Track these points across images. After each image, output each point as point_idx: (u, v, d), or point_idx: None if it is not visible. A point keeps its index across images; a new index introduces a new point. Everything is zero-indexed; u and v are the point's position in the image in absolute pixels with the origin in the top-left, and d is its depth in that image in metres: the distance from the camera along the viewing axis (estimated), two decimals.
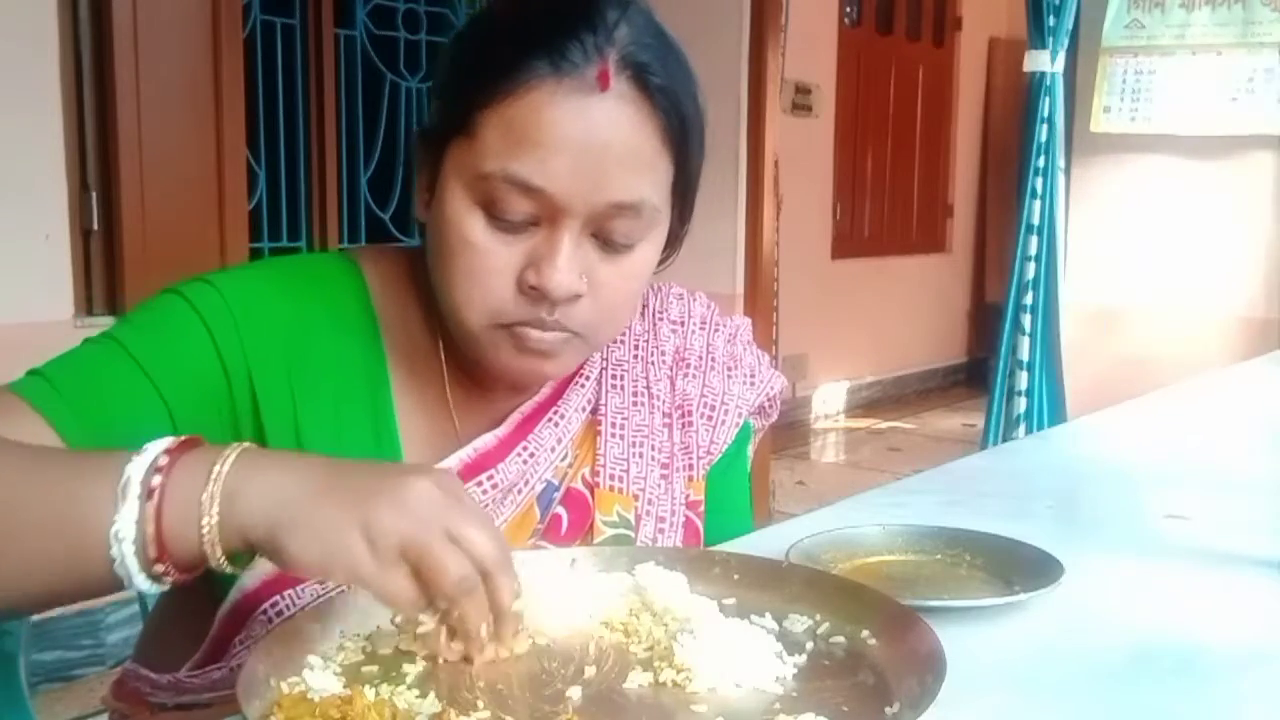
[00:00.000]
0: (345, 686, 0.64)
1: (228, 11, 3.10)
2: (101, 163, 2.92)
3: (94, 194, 2.91)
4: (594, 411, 0.98)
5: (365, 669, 0.68)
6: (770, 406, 1.08)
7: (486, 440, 0.91)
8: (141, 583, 0.64)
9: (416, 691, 0.65)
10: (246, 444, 0.68)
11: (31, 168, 2.79)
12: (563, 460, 0.95)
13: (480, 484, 0.89)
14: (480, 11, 0.89)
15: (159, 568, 0.64)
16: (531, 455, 0.92)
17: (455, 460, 0.90)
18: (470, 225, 0.81)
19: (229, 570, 0.66)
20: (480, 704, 0.64)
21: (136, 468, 0.64)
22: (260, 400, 0.84)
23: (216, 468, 0.65)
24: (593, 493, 0.95)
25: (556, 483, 0.95)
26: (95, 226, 2.93)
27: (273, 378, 0.85)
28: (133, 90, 2.89)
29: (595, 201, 0.80)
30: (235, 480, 0.65)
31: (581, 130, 0.79)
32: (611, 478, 0.95)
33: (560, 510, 0.94)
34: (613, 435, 0.97)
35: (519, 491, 0.92)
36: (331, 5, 3.68)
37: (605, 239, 0.83)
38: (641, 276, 0.87)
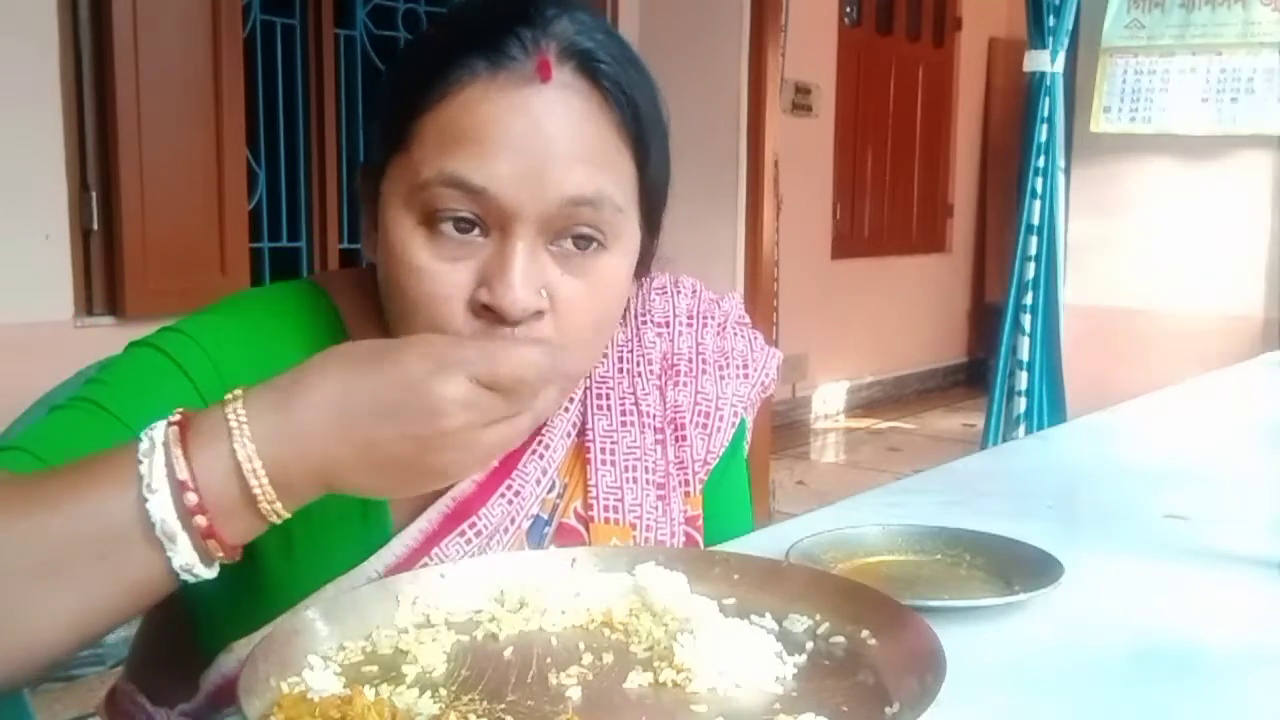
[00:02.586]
0: (345, 686, 0.64)
1: (228, 11, 3.10)
2: (101, 163, 2.92)
3: (94, 194, 2.92)
4: (580, 434, 0.92)
5: (365, 669, 0.68)
6: (765, 388, 1.03)
7: (464, 488, 0.86)
8: (192, 560, 0.61)
9: (416, 691, 0.65)
10: (237, 403, 0.63)
11: (31, 168, 2.80)
12: (550, 492, 0.90)
13: (463, 533, 0.85)
14: (417, 33, 0.86)
15: (211, 545, 0.61)
16: (516, 494, 0.87)
17: (435, 513, 0.85)
18: (414, 249, 0.74)
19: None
20: (480, 704, 0.64)
21: (148, 447, 0.61)
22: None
23: (232, 421, 0.62)
24: (587, 528, 0.90)
25: (546, 517, 0.90)
26: (95, 226, 2.93)
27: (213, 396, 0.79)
28: (133, 90, 2.89)
29: (546, 201, 0.73)
30: (258, 430, 0.61)
31: (523, 124, 0.73)
32: (606, 509, 0.90)
33: (553, 548, 0.90)
34: (603, 462, 0.91)
35: (506, 531, 0.87)
36: (331, 5, 3.68)
37: (565, 249, 0.76)
38: (612, 295, 0.80)
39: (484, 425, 0.64)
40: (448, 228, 0.74)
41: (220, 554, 0.62)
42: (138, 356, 0.80)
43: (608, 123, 0.76)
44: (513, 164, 0.73)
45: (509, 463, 0.88)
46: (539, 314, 0.75)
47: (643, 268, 0.86)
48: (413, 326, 0.76)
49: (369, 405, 0.62)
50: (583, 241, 0.76)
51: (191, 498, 0.60)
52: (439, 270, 0.74)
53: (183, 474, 0.60)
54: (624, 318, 0.95)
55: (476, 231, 0.75)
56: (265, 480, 0.61)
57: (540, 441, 0.90)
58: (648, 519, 0.92)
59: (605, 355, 0.95)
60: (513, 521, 0.88)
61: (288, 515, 0.64)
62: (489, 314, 0.74)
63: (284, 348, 0.82)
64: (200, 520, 0.60)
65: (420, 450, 0.63)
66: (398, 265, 0.76)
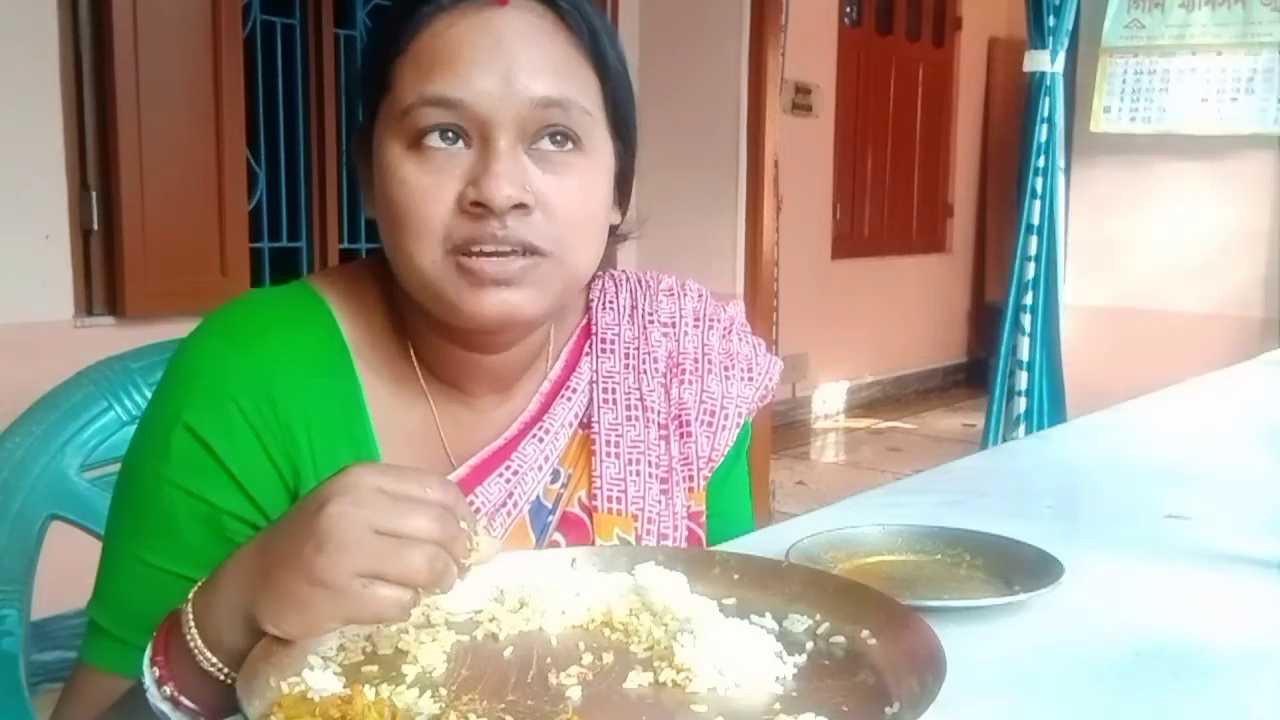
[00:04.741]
0: (345, 686, 0.64)
1: (228, 11, 3.10)
2: (101, 163, 2.92)
3: (94, 194, 2.92)
4: (586, 427, 0.94)
5: (365, 669, 0.68)
6: (766, 392, 1.04)
7: (460, 472, 0.89)
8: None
9: (416, 691, 0.65)
10: (193, 591, 0.70)
11: (31, 168, 2.80)
12: (554, 482, 0.93)
13: None
14: None
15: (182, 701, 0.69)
16: (515, 473, 0.90)
17: None
18: (404, 168, 0.80)
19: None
20: (480, 704, 0.64)
21: (154, 698, 0.69)
22: (257, 498, 0.83)
23: (188, 635, 0.68)
24: (591, 517, 0.93)
25: (550, 505, 0.92)
26: (95, 226, 2.93)
27: (254, 467, 0.83)
28: (133, 90, 2.89)
29: (518, 105, 0.79)
30: (206, 627, 0.68)
31: (488, 40, 0.79)
32: (609, 499, 0.93)
33: (558, 536, 0.92)
34: (608, 454, 0.93)
35: (508, 513, 0.89)
36: (331, 5, 3.68)
37: (542, 150, 0.81)
38: (591, 192, 0.84)
39: (367, 523, 0.63)
40: (433, 141, 0.80)
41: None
42: (157, 494, 0.83)
43: (564, 38, 0.83)
44: (483, 76, 0.79)
45: (508, 447, 0.91)
46: (525, 209, 0.80)
47: (624, 186, 0.91)
48: (408, 236, 0.81)
49: (272, 539, 0.68)
50: (558, 139, 0.82)
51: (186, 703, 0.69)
52: (427, 180, 0.80)
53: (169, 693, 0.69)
54: (631, 316, 0.99)
55: (459, 144, 0.80)
56: (201, 643, 0.68)
57: (541, 427, 0.92)
58: (650, 511, 0.93)
59: (611, 351, 0.97)
60: (510, 498, 0.89)
61: (230, 669, 0.68)
62: (476, 209, 0.79)
63: (269, 363, 0.84)
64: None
65: (300, 544, 0.64)
66: (391, 185, 0.81)
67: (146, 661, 0.69)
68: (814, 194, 5.63)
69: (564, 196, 0.82)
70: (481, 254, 0.79)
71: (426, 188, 0.80)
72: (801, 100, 5.40)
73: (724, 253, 4.50)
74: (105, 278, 2.97)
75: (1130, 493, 1.28)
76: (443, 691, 0.66)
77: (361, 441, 0.87)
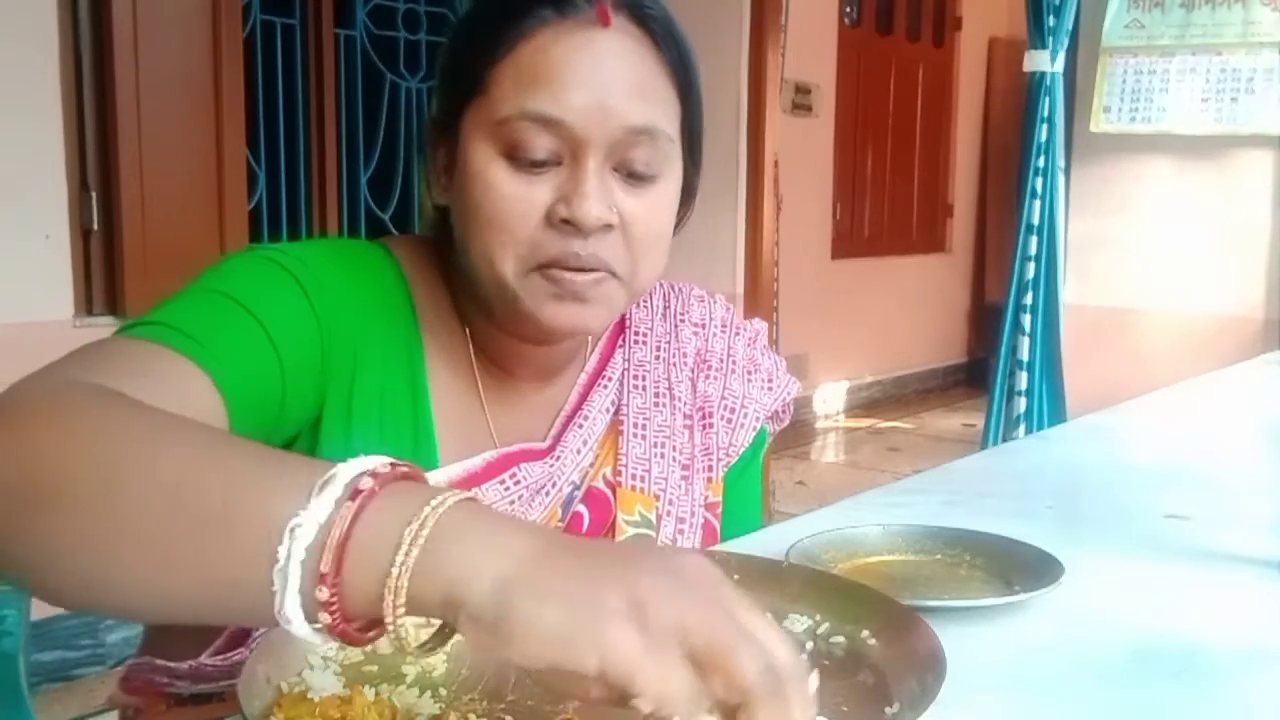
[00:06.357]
0: (345, 686, 0.64)
1: (228, 11, 3.10)
2: (101, 163, 2.92)
3: (94, 194, 2.91)
4: (616, 411, 0.99)
5: (365, 669, 0.68)
6: (784, 412, 1.09)
7: (509, 447, 0.93)
8: (292, 608, 0.50)
9: (416, 691, 0.65)
10: (467, 495, 0.53)
11: (31, 168, 2.79)
12: (587, 463, 0.97)
13: (503, 481, 0.90)
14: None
15: (321, 593, 0.50)
16: (557, 458, 0.94)
17: (479, 459, 0.90)
18: (494, 173, 0.82)
19: (398, 641, 0.53)
20: (480, 704, 0.64)
21: (347, 469, 0.52)
22: (330, 361, 0.84)
23: (434, 501, 0.51)
24: (614, 492, 0.96)
25: (578, 480, 0.96)
26: (95, 226, 2.93)
27: (342, 343, 0.85)
28: (133, 90, 2.89)
29: (612, 129, 0.82)
30: (451, 524, 0.51)
31: (590, 62, 0.82)
32: (633, 477, 0.96)
33: (581, 509, 0.95)
34: (635, 435, 0.98)
35: (547, 494, 0.93)
36: (331, 5, 3.69)
37: (628, 171, 0.84)
38: (666, 213, 0.88)
39: (713, 625, 0.48)
40: (525, 156, 0.82)
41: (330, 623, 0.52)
42: (255, 261, 0.83)
43: (657, 62, 0.85)
44: (582, 97, 0.81)
45: (553, 443, 0.95)
46: (609, 229, 0.83)
47: (688, 197, 0.93)
48: (492, 242, 0.83)
49: (591, 542, 0.56)
50: (642, 164, 0.84)
51: (327, 566, 0.50)
52: (518, 191, 0.82)
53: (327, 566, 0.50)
54: (664, 315, 1.04)
55: (551, 160, 0.82)
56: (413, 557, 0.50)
57: (580, 413, 0.97)
58: (671, 493, 0.97)
59: (644, 343, 1.02)
60: (553, 484, 0.93)
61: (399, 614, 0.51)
62: (565, 226, 0.82)
63: (362, 294, 0.88)
64: (321, 593, 0.50)
65: (638, 556, 0.51)
66: (479, 188, 0.83)
67: (365, 466, 0.52)
68: (814, 194, 5.63)
69: (642, 217, 0.85)
70: (565, 268, 0.83)
71: (518, 198, 0.82)
72: (801, 100, 5.40)
73: (724, 253, 4.50)
74: (105, 278, 2.96)
75: (1130, 493, 1.28)
76: (443, 691, 0.66)
77: (418, 396, 0.90)
